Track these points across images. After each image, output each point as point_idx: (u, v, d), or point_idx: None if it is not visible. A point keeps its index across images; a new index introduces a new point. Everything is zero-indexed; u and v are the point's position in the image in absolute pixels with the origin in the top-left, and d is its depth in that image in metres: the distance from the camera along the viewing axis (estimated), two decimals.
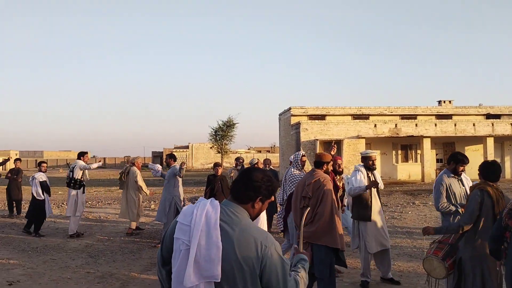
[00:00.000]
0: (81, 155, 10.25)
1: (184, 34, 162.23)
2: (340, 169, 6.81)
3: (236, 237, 2.07)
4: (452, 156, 5.27)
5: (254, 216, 2.27)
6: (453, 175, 5.10)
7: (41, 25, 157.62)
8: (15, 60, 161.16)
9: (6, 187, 13.28)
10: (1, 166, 11.10)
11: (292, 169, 7.03)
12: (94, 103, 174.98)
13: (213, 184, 9.22)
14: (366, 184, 5.96)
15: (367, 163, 6.16)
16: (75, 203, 9.86)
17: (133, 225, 10.35)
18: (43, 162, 11.01)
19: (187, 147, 67.70)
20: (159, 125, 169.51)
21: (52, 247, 8.79)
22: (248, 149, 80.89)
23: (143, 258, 7.84)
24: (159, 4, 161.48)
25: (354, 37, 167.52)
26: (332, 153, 6.99)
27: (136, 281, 6.50)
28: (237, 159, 10.10)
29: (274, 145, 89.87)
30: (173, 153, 10.24)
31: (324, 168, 5.34)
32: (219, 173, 9.40)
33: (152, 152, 78.73)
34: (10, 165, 15.13)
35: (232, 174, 10.05)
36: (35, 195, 10.22)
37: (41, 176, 10.45)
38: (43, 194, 10.29)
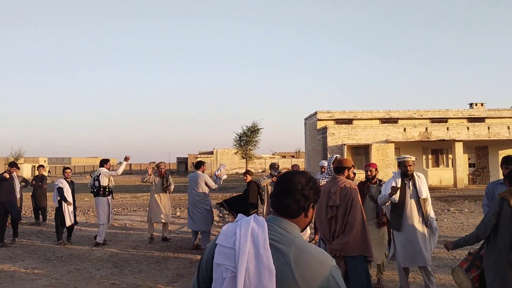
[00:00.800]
0: (104, 162, 10.11)
1: (209, 40, 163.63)
2: (371, 175, 6.43)
3: (292, 258, 1.71)
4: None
5: (306, 226, 1.93)
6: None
7: (70, 32, 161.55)
8: (45, 69, 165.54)
9: (31, 194, 13.27)
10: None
11: (319, 177, 6.66)
12: (120, 110, 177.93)
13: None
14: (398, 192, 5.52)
15: (402, 169, 5.71)
16: (107, 211, 9.76)
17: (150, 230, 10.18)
18: (68, 168, 10.81)
19: (211, 152, 67.85)
20: (184, 131, 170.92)
21: (77, 256, 8.60)
22: (273, 154, 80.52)
23: (169, 269, 7.56)
24: (183, 11, 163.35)
25: (380, 41, 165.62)
26: None
27: None
28: (272, 165, 9.63)
29: (299, 150, 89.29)
30: (200, 159, 9.94)
31: (345, 174, 4.99)
32: (247, 180, 9.16)
33: (177, 158, 79.16)
34: (35, 172, 15.15)
35: (267, 183, 9.59)
36: (54, 202, 10.09)
37: (59, 183, 10.13)
38: (59, 202, 10.10)
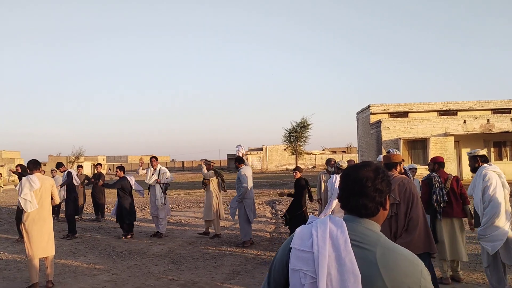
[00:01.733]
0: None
1: (259, 35, 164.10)
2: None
3: (379, 259, 1.54)
4: None
5: (384, 219, 1.75)
6: None
7: (132, 31, 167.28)
8: (101, 68, 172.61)
9: (90, 191, 13.77)
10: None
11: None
12: (172, 108, 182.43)
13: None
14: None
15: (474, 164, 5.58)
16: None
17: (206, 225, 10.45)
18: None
19: (261, 149, 67.93)
20: (234, 128, 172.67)
21: (135, 251, 8.76)
22: (323, 150, 79.57)
23: (225, 266, 7.51)
24: (235, 7, 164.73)
25: (437, 27, 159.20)
26: None
27: None
28: (328, 161, 9.39)
29: (350, 145, 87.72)
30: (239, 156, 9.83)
31: (398, 169, 4.78)
32: (296, 177, 9.00)
33: (227, 155, 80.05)
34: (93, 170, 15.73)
35: (324, 178, 9.31)
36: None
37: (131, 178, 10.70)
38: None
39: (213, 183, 10.33)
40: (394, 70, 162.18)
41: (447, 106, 27.73)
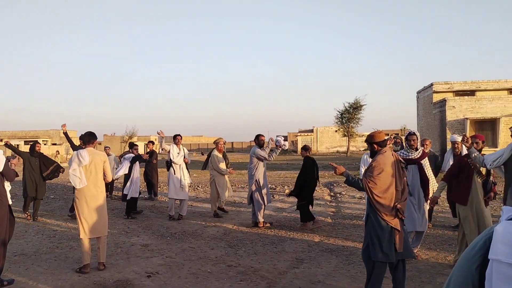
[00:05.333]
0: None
1: (313, 16, 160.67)
2: (457, 151, 6.20)
3: None
4: None
5: None
6: None
7: (181, 17, 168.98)
8: (153, 52, 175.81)
9: (143, 169, 13.46)
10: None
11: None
12: (222, 88, 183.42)
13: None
14: None
15: None
16: (168, 185, 9.90)
17: (212, 206, 10.19)
18: (135, 144, 10.95)
19: (311, 130, 66.57)
20: (284, 109, 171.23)
21: (190, 233, 8.27)
22: None
23: (287, 252, 6.83)
24: None
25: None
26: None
27: (283, 280, 5.47)
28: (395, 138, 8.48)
29: (404, 128, 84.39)
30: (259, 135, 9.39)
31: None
32: (304, 155, 8.84)
33: (276, 135, 79.27)
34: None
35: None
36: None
37: (129, 157, 10.25)
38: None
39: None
40: (457, 48, 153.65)
41: None
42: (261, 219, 8.72)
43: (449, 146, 22.03)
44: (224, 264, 6.16)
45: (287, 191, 13.35)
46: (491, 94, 23.99)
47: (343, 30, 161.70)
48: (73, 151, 6.95)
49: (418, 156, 6.56)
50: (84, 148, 6.07)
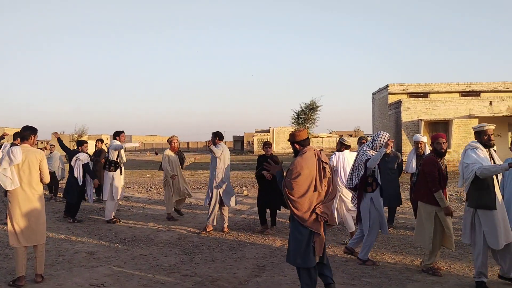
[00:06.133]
0: (117, 134, 9.32)
1: (267, 16, 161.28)
2: (443, 150, 5.72)
3: None
4: None
5: None
6: None
7: (136, 11, 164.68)
8: (105, 47, 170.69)
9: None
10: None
11: (366, 148, 6.20)
12: (178, 88, 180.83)
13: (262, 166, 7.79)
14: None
15: (482, 139, 5.09)
16: (110, 186, 9.05)
17: (167, 208, 9.58)
18: (84, 142, 10.05)
19: (268, 131, 66.59)
20: (241, 109, 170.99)
21: (141, 238, 7.61)
22: (330, 133, 78.26)
23: (247, 258, 6.35)
24: None
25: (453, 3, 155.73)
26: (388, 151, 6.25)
27: None
28: (359, 139, 8.19)
29: (358, 129, 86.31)
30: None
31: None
32: (269, 153, 8.26)
33: (233, 136, 78.77)
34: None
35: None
36: (78, 179, 9.33)
37: (85, 158, 9.48)
38: (84, 179, 9.47)
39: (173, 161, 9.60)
40: (411, 49, 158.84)
41: (470, 86, 26.14)
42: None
43: (404, 146, 22.62)
44: (179, 274, 5.59)
45: (245, 192, 12.86)
46: (443, 96, 24.57)
47: (299, 30, 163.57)
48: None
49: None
50: (19, 144, 5.32)
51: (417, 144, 8.24)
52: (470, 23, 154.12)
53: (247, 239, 7.60)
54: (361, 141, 8.03)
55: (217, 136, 8.23)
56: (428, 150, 8.07)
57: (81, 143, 9.89)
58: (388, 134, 6.24)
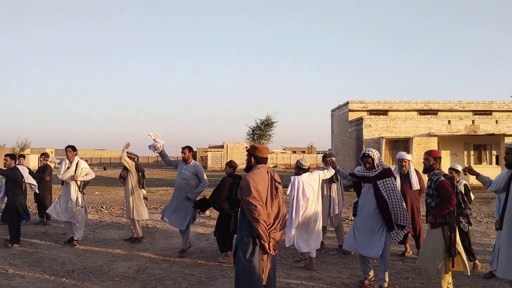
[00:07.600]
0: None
1: (224, 33, 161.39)
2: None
3: None
4: None
5: None
6: None
7: (82, 24, 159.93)
8: (52, 61, 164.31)
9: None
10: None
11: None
12: (128, 103, 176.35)
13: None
14: None
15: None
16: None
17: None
18: (22, 156, 9.25)
19: (222, 146, 65.64)
20: (194, 124, 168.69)
21: (92, 270, 6.44)
22: (284, 149, 78.34)
23: None
24: (199, 5, 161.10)
25: (413, 31, 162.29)
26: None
27: None
28: (324, 157, 7.46)
29: (311, 146, 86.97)
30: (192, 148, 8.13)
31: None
32: (227, 172, 7.21)
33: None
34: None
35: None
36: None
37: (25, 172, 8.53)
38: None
39: (133, 178, 8.63)
40: (370, 65, 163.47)
41: (427, 105, 26.58)
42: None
43: None
44: None
45: (207, 212, 11.84)
46: (403, 114, 24.73)
47: (255, 45, 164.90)
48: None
49: (375, 174, 5.75)
50: None
51: (401, 162, 7.64)
52: (427, 41, 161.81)
53: (217, 269, 6.61)
54: (325, 158, 7.32)
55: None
56: (412, 168, 7.56)
57: (14, 157, 8.58)
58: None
